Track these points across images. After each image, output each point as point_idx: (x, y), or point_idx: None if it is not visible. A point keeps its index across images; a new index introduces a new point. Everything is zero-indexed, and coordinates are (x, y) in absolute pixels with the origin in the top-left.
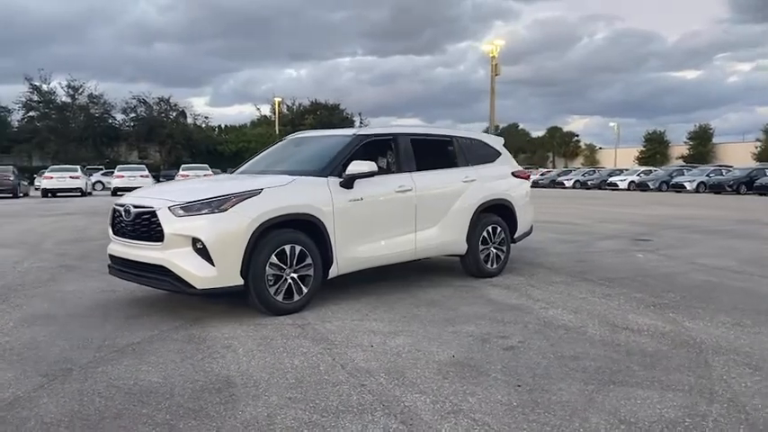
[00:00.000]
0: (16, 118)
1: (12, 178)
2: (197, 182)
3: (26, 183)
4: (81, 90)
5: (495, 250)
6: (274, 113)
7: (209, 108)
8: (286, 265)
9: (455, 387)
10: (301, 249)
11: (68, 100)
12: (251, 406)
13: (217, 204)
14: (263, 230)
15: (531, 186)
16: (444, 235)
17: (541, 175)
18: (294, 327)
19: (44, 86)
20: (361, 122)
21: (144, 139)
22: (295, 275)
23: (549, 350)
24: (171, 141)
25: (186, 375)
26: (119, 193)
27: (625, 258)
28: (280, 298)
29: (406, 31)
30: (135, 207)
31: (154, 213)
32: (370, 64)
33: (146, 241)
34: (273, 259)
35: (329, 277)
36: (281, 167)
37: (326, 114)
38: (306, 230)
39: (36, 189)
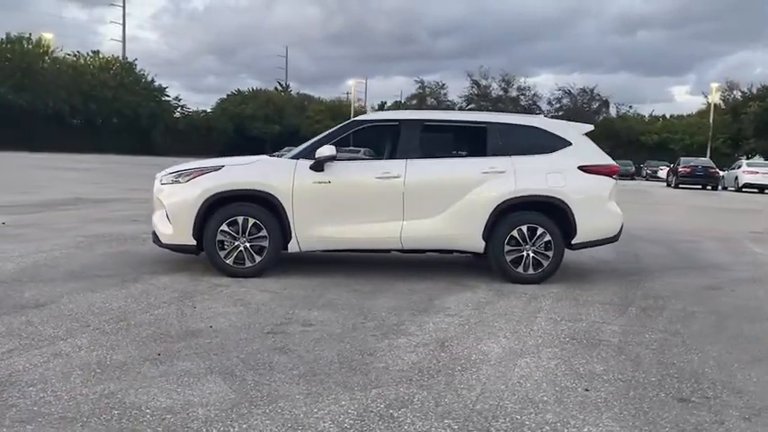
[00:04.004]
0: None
1: None
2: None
3: None
4: (512, 83)
5: (532, 254)
6: (724, 101)
7: (689, 96)
8: (238, 233)
9: (120, 341)
10: (255, 221)
11: (501, 93)
12: (12, 318)
13: (183, 176)
14: (215, 201)
15: None
16: (446, 228)
17: None
18: (209, 285)
19: (483, 82)
20: None
21: None
22: (248, 244)
23: (290, 344)
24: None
25: (46, 298)
26: None
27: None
28: (230, 262)
29: None
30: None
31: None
32: None
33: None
34: (225, 227)
35: (289, 251)
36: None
37: None
38: (264, 206)
39: None
